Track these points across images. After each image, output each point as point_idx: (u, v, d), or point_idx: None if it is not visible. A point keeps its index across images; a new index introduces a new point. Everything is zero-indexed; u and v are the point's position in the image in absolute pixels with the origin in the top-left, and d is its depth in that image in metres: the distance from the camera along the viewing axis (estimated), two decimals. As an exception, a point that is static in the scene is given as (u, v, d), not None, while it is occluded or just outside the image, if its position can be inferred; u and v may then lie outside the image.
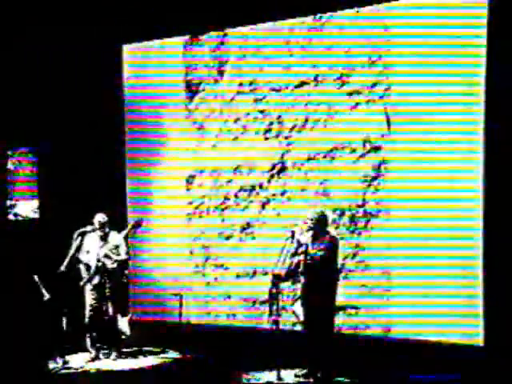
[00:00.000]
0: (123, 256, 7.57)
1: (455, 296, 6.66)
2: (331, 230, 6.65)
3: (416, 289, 6.83)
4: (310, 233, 6.44)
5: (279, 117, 7.78)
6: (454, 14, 6.63)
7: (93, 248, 7.45)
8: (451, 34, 6.64)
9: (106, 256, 7.42)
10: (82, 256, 7.45)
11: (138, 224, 7.68)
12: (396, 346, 6.90)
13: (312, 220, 6.44)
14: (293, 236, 6.39)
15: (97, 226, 7.45)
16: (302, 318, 6.53)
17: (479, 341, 6.55)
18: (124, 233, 7.59)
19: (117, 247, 7.51)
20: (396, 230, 7.00)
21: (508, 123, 6.36)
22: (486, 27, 6.48)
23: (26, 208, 8.68)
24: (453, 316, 6.64)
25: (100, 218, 7.50)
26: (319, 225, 6.45)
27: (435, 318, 6.71)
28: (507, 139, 6.37)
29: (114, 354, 7.55)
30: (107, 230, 7.53)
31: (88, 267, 7.44)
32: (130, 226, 7.70)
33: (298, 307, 6.55)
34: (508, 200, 6.39)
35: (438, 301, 6.72)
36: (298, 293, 6.56)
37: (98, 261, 7.39)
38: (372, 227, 7.20)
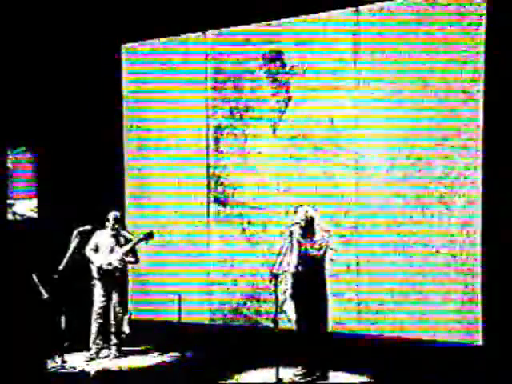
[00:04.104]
0: (134, 259, 7.62)
1: (455, 294, 6.69)
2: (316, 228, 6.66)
3: (415, 287, 6.86)
4: (299, 231, 6.45)
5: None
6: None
7: (105, 247, 7.49)
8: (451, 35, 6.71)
9: (121, 260, 7.46)
10: (94, 255, 7.48)
11: (149, 236, 7.54)
12: (395, 346, 6.90)
13: (305, 219, 6.46)
14: (291, 235, 6.39)
15: (112, 221, 7.50)
16: (293, 318, 6.55)
17: (479, 340, 6.56)
18: (134, 241, 7.55)
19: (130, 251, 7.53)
20: (396, 226, 7.01)
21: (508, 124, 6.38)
22: (486, 28, 6.52)
23: (25, 207, 8.68)
24: (452, 315, 6.66)
25: (116, 214, 7.56)
26: (310, 223, 6.48)
27: (435, 316, 6.74)
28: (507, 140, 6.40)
29: (113, 354, 7.55)
30: (119, 228, 7.60)
31: (100, 267, 7.44)
32: (141, 237, 7.56)
33: (289, 307, 6.56)
34: (508, 199, 6.39)
35: (437, 300, 6.75)
36: (287, 292, 6.55)
37: (110, 264, 7.42)
38: (373, 223, 7.20)
